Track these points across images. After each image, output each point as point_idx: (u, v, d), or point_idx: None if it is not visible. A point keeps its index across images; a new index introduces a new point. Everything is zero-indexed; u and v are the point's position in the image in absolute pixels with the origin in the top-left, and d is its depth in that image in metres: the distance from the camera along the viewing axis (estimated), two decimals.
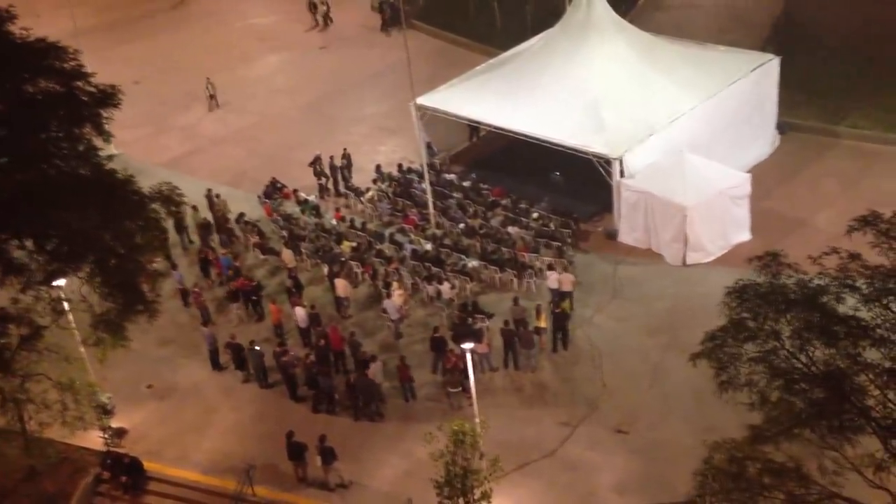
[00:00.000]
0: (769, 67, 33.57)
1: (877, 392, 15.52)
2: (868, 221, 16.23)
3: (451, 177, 34.48)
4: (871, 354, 15.57)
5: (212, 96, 41.62)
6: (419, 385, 25.67)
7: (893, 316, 15.54)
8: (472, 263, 29.64)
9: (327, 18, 48.29)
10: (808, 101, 36.15)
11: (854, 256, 16.21)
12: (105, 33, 47.88)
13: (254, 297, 29.32)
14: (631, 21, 35.51)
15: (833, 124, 35.48)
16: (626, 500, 22.05)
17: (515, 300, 27.20)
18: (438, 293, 28.20)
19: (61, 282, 22.26)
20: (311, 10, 48.71)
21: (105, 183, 21.04)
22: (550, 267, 28.56)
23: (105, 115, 21.11)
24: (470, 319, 26.57)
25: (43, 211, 20.26)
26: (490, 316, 27.10)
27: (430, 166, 33.56)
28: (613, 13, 33.44)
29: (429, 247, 30.46)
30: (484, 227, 31.42)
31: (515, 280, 29.05)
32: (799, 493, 15.80)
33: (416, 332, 27.98)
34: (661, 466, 22.46)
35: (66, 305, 23.14)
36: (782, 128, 35.13)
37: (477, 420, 21.58)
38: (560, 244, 30.01)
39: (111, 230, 21.26)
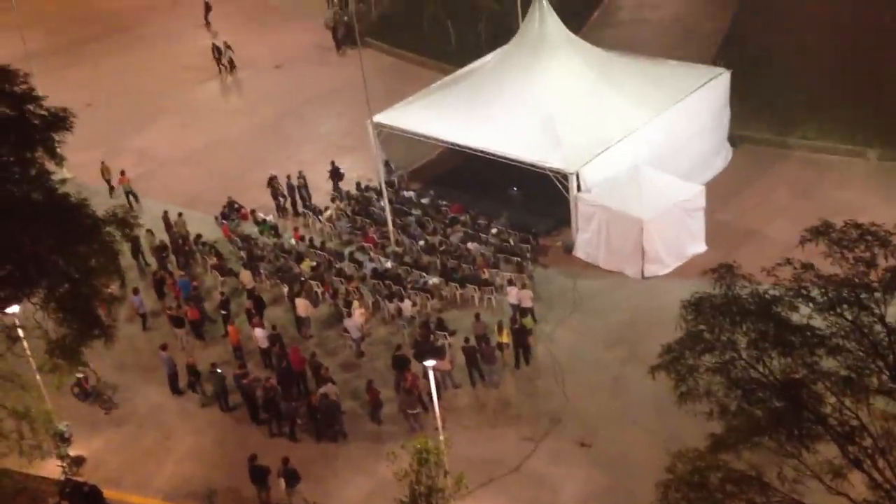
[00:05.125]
0: (720, 81, 34.14)
1: (833, 400, 15.74)
2: (820, 231, 16.44)
3: (410, 194, 34.51)
4: (827, 363, 15.80)
5: (108, 181, 36.37)
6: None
7: (847, 324, 15.79)
8: (433, 280, 29.65)
9: (231, 64, 46.93)
10: (758, 114, 36.79)
11: (807, 266, 16.39)
12: (56, 56, 47.30)
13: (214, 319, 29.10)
14: (583, 37, 35.88)
15: (784, 136, 36.14)
16: None
17: (477, 316, 27.24)
18: (399, 311, 28.15)
19: (15, 308, 21.86)
20: (215, 55, 46.77)
21: (58, 207, 20.74)
22: (511, 282, 28.68)
23: (57, 138, 20.82)
24: (432, 337, 26.57)
25: None
26: (452, 333, 27.12)
27: (389, 184, 33.57)
28: (566, 30, 33.78)
29: (389, 265, 30.43)
30: (444, 243, 31.46)
31: (476, 296, 29.11)
32: (760, 501, 15.94)
33: (378, 350, 27.92)
34: (625, 478, 22.59)
35: (20, 332, 22.73)
36: (734, 140, 35.71)
37: (441, 438, 21.54)
38: (520, 259, 30.15)
39: (65, 254, 20.94)
